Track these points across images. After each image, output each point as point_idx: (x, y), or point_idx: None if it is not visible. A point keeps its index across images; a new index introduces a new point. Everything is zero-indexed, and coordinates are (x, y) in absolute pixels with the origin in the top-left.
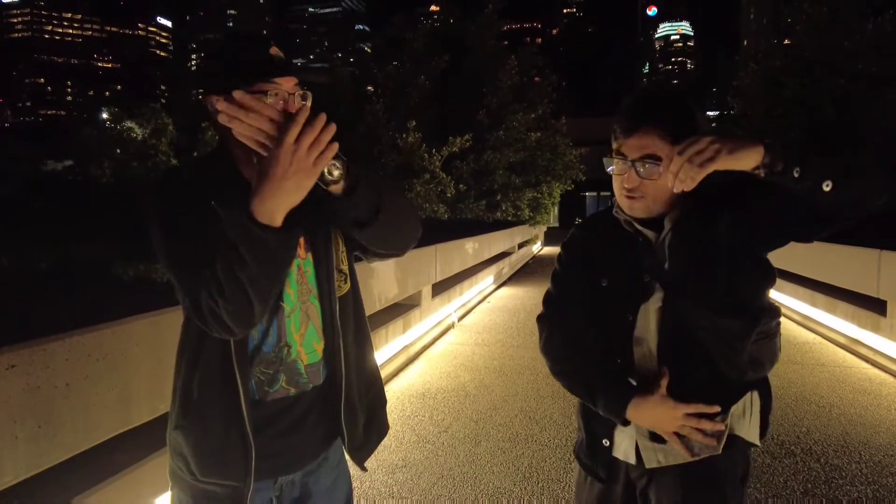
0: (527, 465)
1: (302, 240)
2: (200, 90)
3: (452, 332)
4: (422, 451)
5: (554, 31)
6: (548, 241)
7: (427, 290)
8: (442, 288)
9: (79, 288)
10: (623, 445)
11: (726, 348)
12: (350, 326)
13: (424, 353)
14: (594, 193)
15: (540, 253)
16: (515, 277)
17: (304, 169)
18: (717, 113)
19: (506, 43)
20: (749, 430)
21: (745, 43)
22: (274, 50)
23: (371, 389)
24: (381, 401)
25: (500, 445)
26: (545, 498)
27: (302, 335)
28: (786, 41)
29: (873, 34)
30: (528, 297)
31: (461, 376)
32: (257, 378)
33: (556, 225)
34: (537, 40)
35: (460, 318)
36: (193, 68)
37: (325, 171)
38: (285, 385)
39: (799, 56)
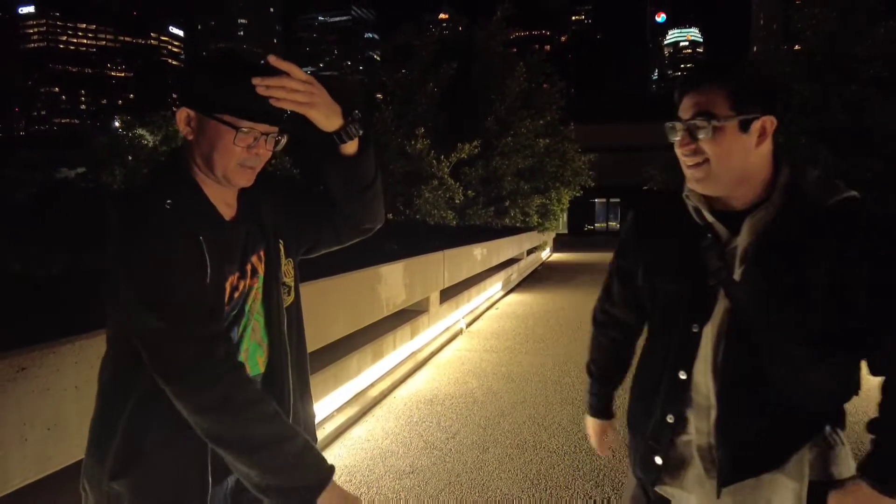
0: (535, 472)
1: (257, 256)
2: (179, 100)
3: (460, 339)
4: (429, 458)
5: (563, 39)
6: (557, 247)
7: (435, 296)
8: (450, 294)
9: (90, 293)
10: (689, 485)
11: (788, 374)
12: (294, 338)
13: (432, 359)
14: (603, 200)
15: (549, 259)
16: (524, 284)
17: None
18: None
19: (514, 50)
20: (848, 467)
21: (755, 49)
22: (272, 58)
23: (307, 418)
24: (312, 436)
25: (509, 452)
26: None
27: (246, 351)
28: (796, 47)
29: (885, 38)
30: (537, 304)
31: (469, 382)
32: None
33: (566, 231)
34: (546, 47)
35: (468, 325)
36: (182, 75)
37: (350, 122)
38: None
39: (808, 61)
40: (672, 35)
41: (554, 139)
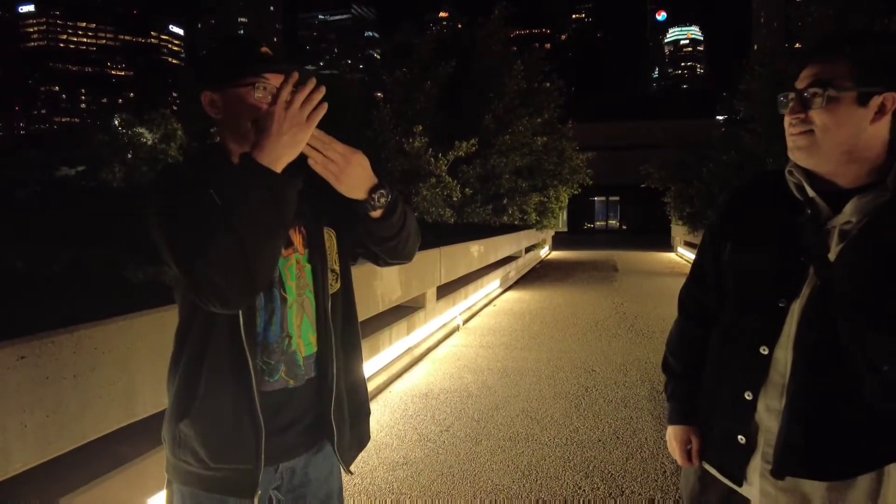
0: (526, 464)
1: (301, 236)
2: (199, 86)
3: (457, 335)
4: (423, 450)
5: (563, 37)
6: (556, 245)
7: (432, 293)
8: (447, 291)
9: (89, 289)
10: (750, 475)
11: (864, 362)
12: (339, 324)
13: (429, 354)
14: (603, 198)
15: (548, 257)
16: (522, 281)
17: (299, 124)
18: (725, 117)
19: (514, 49)
20: None
21: (756, 47)
22: (264, 49)
23: (357, 394)
24: (366, 409)
25: (501, 444)
26: (543, 494)
27: (299, 326)
28: (797, 45)
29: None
30: (535, 301)
31: (464, 377)
32: (259, 367)
33: (565, 230)
34: (546, 46)
35: (465, 321)
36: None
37: (375, 196)
38: (284, 376)
39: (805, 59)
40: (672, 33)
41: (552, 137)
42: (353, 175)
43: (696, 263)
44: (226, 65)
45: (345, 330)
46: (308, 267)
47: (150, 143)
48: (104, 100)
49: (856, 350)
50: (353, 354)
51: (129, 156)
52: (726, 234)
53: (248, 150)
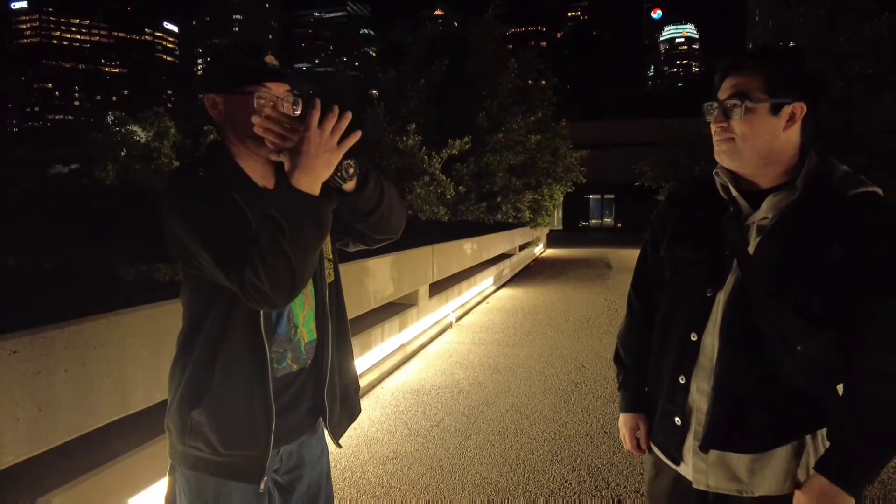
0: (514, 458)
1: None
2: (202, 91)
3: (450, 332)
4: (413, 444)
5: (558, 35)
6: (550, 243)
7: (424, 290)
8: (440, 288)
9: (82, 287)
10: (685, 454)
11: (780, 344)
12: (335, 311)
13: (421, 351)
14: (598, 196)
15: (542, 255)
16: (516, 279)
17: (331, 148)
18: None
19: (510, 47)
20: None
21: (750, 45)
22: (269, 58)
23: (346, 373)
24: (355, 385)
25: (490, 439)
26: (530, 488)
27: (304, 316)
28: (791, 44)
29: (870, 36)
30: (528, 299)
31: (456, 374)
32: (270, 357)
33: (560, 227)
34: (542, 44)
35: (458, 318)
36: (199, 72)
37: (343, 170)
38: (290, 362)
39: None
40: (668, 31)
41: (546, 135)
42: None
43: (639, 261)
44: (229, 73)
45: (338, 316)
46: None
47: (143, 140)
48: (98, 97)
49: (773, 333)
50: (343, 338)
51: (122, 154)
52: (664, 231)
53: (284, 168)
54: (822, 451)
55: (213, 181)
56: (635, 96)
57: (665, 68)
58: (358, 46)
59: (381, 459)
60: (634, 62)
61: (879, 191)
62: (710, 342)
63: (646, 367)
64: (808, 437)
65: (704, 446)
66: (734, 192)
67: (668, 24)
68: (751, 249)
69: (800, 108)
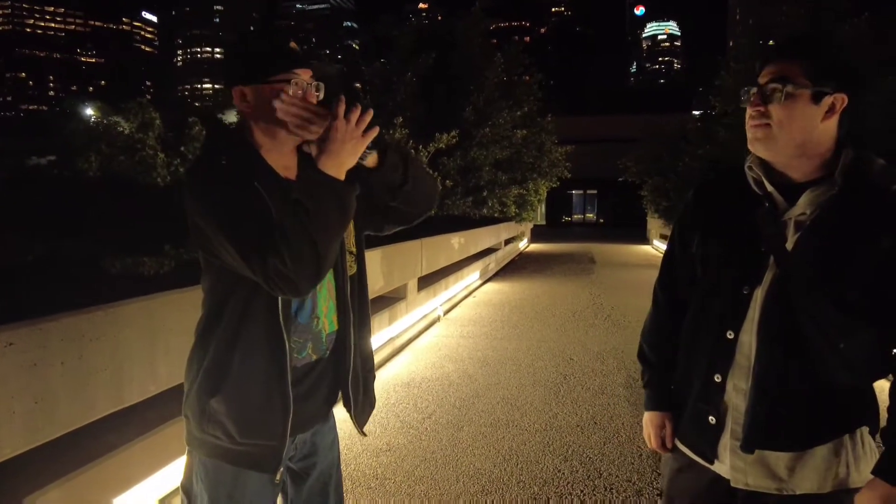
0: (507, 448)
1: None
2: (228, 84)
3: (438, 325)
4: (406, 436)
5: (542, 30)
6: (534, 238)
7: (413, 284)
8: (428, 282)
9: (67, 280)
10: (722, 458)
11: (822, 341)
12: (356, 303)
13: (410, 344)
14: (581, 191)
15: (527, 249)
16: (502, 273)
17: (356, 138)
18: (701, 112)
19: (494, 41)
20: (865, 477)
21: (731, 43)
22: (293, 44)
23: (367, 364)
24: (373, 376)
25: (482, 430)
26: (524, 478)
27: (327, 307)
28: (770, 42)
29: (850, 35)
30: (514, 293)
31: (445, 367)
32: (290, 346)
33: (543, 222)
34: (526, 39)
35: (446, 312)
36: (179, 63)
37: (364, 151)
38: (311, 352)
39: None
40: (650, 28)
41: (531, 130)
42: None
43: (666, 256)
44: (258, 63)
45: (360, 308)
46: None
47: (126, 132)
48: (74, 87)
49: (814, 331)
50: (365, 330)
51: (104, 146)
52: (694, 227)
53: (310, 155)
54: (860, 448)
55: (236, 170)
56: (618, 92)
57: (647, 65)
58: (341, 39)
59: (375, 451)
60: (617, 58)
61: None
62: (748, 340)
63: (672, 365)
64: (847, 435)
65: (747, 447)
66: (769, 187)
67: (650, 20)
68: (788, 245)
69: (841, 99)
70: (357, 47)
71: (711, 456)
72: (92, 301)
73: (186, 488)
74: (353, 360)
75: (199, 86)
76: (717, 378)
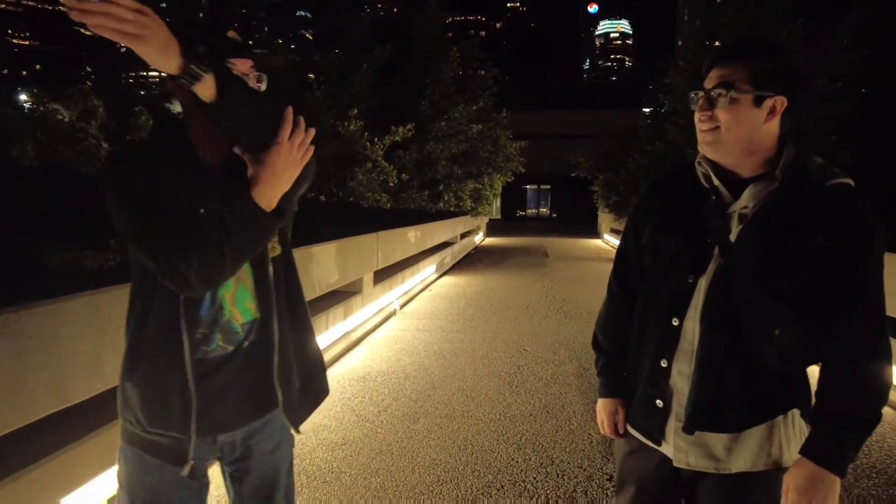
0: (462, 439)
1: None
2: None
3: (394, 319)
4: (361, 430)
5: (497, 25)
6: (490, 232)
7: (369, 278)
8: (384, 276)
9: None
10: (667, 434)
11: (759, 328)
12: (283, 288)
13: (366, 339)
14: (535, 186)
15: (482, 243)
16: (457, 267)
17: (296, 162)
18: (651, 110)
19: (450, 35)
20: (793, 456)
21: (680, 43)
22: (232, 34)
23: (306, 355)
24: (320, 365)
25: (438, 422)
26: (478, 467)
27: (232, 296)
28: (716, 43)
29: (788, 40)
30: (469, 286)
31: (401, 360)
32: (197, 338)
33: (499, 217)
34: (481, 33)
35: (402, 306)
36: (123, 49)
37: (195, 68)
38: (222, 343)
39: None
40: (603, 26)
41: (487, 125)
42: (158, 35)
43: (620, 249)
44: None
45: (290, 293)
46: None
47: (67, 120)
48: (5, 71)
49: (752, 319)
50: (298, 316)
51: (40, 134)
52: (646, 219)
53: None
54: (791, 429)
55: (155, 161)
56: (572, 89)
57: (600, 62)
58: (294, 29)
59: (330, 446)
60: (571, 55)
61: (852, 182)
62: (692, 327)
63: (625, 353)
64: (780, 417)
65: (689, 428)
66: (716, 182)
67: (603, 18)
68: (732, 237)
69: (780, 101)
70: (311, 37)
71: (659, 438)
72: (30, 297)
73: (118, 475)
74: (279, 351)
75: (144, 73)
76: (664, 363)
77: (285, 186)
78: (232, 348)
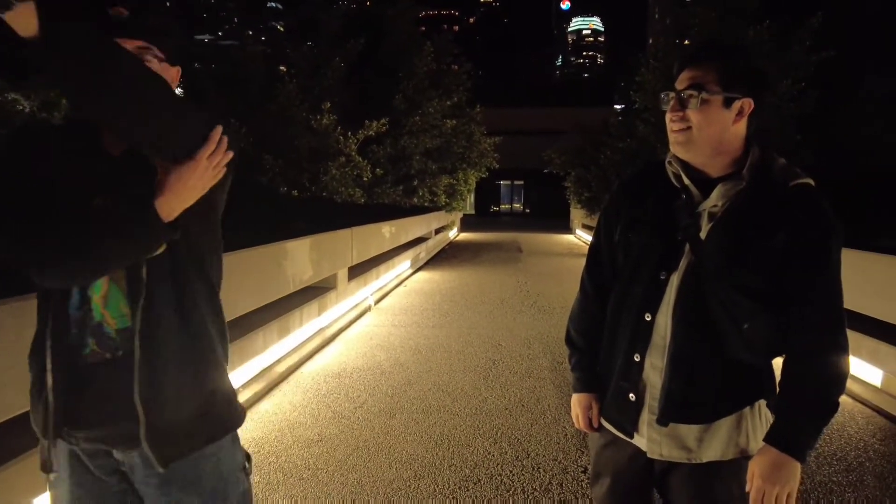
0: (438, 434)
1: None
2: None
3: (369, 315)
4: (337, 426)
5: (471, 20)
6: (464, 227)
7: (343, 274)
8: (359, 271)
9: None
10: (640, 427)
11: (729, 322)
12: (167, 292)
13: (341, 335)
14: (508, 182)
15: (457, 239)
16: (432, 262)
17: (208, 177)
18: (623, 107)
19: (423, 29)
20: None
21: (651, 41)
22: (117, 10)
23: (197, 376)
24: (221, 395)
25: (414, 417)
26: (455, 461)
27: (104, 297)
28: (685, 41)
29: (754, 40)
30: (444, 281)
31: (377, 356)
32: (72, 339)
33: (473, 212)
34: (454, 28)
35: (377, 302)
36: None
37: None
38: (97, 349)
39: None
40: (575, 23)
41: (461, 120)
42: None
43: (592, 245)
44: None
45: (181, 298)
46: None
47: (27, 110)
48: None
49: (721, 313)
50: (195, 329)
51: None
52: (617, 217)
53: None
54: (757, 419)
55: (58, 137)
56: (545, 85)
57: (572, 59)
58: (265, 21)
59: (306, 442)
60: (543, 51)
61: (812, 182)
62: (664, 322)
63: (598, 349)
64: (748, 408)
65: (662, 420)
66: (686, 181)
67: (575, 15)
68: (702, 235)
69: (748, 103)
70: (282, 29)
71: (631, 430)
72: None
73: None
74: (141, 364)
75: None
76: (637, 357)
77: (190, 201)
78: (109, 355)
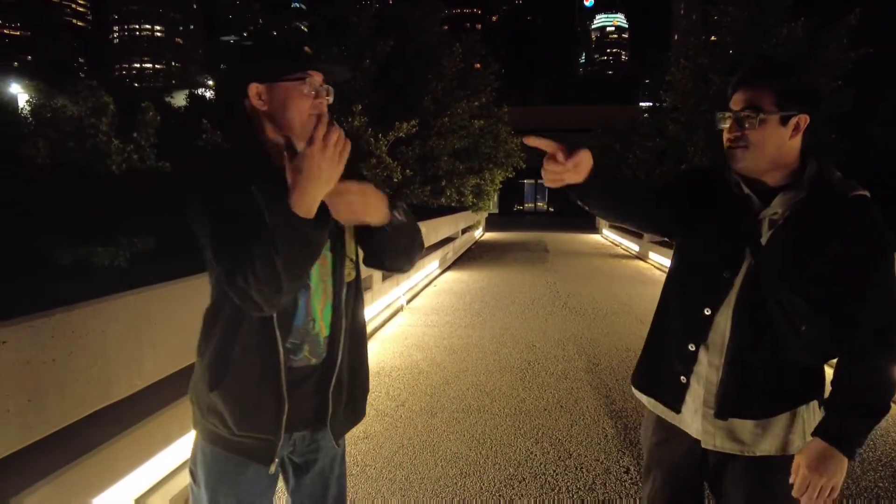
0: (480, 433)
1: None
2: (244, 81)
3: (402, 314)
4: (381, 424)
5: (493, 19)
6: (488, 226)
7: (377, 274)
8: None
9: (18, 273)
10: (688, 417)
11: (787, 324)
12: (350, 310)
13: (376, 334)
14: (532, 181)
15: (482, 238)
16: (459, 262)
17: (333, 164)
18: (649, 105)
19: (446, 28)
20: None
21: (676, 38)
22: (307, 48)
23: (359, 376)
24: (364, 388)
25: (455, 416)
26: (499, 460)
27: (322, 310)
28: (713, 38)
29: (787, 38)
30: (473, 281)
31: (413, 355)
32: (287, 347)
33: (496, 211)
34: (477, 26)
35: (409, 301)
36: (116, 41)
37: (395, 213)
38: (307, 354)
39: (723, 54)
40: (599, 19)
41: (488, 121)
42: (372, 204)
43: (663, 180)
44: (277, 60)
45: (355, 316)
46: (329, 255)
47: (76, 115)
48: None
49: (780, 316)
50: (359, 340)
51: (52, 131)
52: (684, 197)
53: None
54: (812, 418)
55: (236, 171)
56: (569, 83)
57: (596, 56)
58: (289, 21)
59: (353, 439)
60: (567, 49)
61: (868, 193)
62: (724, 321)
63: (622, 190)
64: (803, 406)
65: (720, 415)
66: (746, 190)
67: (599, 12)
68: (763, 240)
69: (804, 119)
70: (306, 30)
71: (676, 407)
72: (44, 291)
73: (192, 469)
74: (339, 369)
75: (137, 66)
76: (692, 347)
77: (324, 189)
78: (315, 360)
